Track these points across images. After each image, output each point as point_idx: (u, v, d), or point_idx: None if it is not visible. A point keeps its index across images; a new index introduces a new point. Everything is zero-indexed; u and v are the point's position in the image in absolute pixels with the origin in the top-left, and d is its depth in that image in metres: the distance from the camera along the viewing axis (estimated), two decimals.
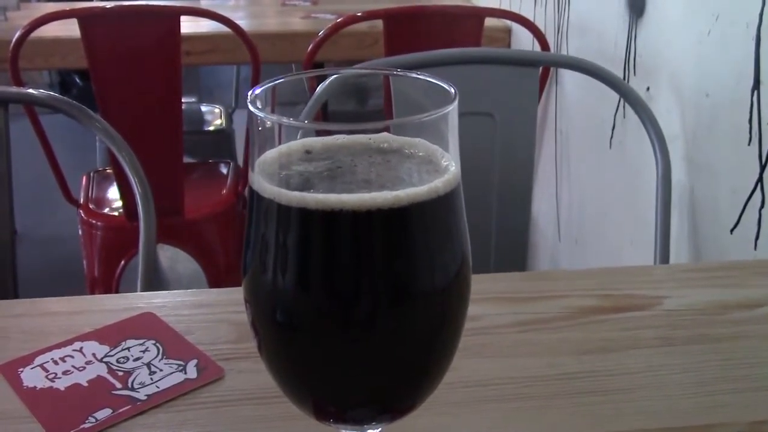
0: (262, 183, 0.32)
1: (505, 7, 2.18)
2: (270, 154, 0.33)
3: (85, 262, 2.06)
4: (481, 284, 0.67)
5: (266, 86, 0.34)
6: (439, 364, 0.36)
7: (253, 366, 0.57)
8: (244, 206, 2.30)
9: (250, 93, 0.33)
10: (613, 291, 0.68)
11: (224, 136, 2.74)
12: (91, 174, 2.20)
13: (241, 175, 2.14)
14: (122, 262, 2.03)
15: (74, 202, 2.02)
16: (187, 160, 2.10)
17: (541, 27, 1.79)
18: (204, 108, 2.95)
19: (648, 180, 1.21)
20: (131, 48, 1.71)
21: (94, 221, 1.97)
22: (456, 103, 0.32)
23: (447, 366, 0.37)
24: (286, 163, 0.33)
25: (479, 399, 0.53)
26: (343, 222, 0.31)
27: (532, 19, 1.84)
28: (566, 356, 0.58)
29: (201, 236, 2.07)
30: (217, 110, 2.91)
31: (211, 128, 2.78)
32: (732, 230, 1.04)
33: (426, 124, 0.33)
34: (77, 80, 4.89)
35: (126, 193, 1.79)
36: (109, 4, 1.74)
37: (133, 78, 1.73)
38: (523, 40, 1.98)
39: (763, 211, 0.97)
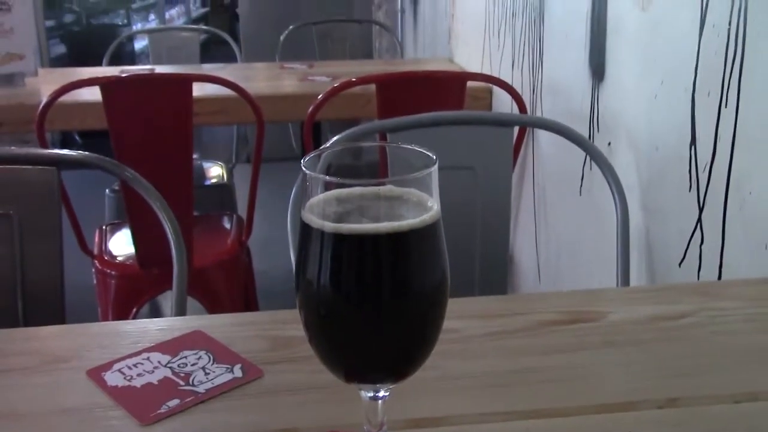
0: (312, 218, 0.49)
1: (486, 69, 2.38)
2: (315, 199, 0.50)
3: (99, 310, 2.20)
4: (461, 305, 0.85)
5: (313, 154, 0.51)
6: (429, 343, 0.53)
7: (287, 368, 0.73)
8: (247, 254, 2.46)
9: (303, 158, 0.50)
10: (570, 308, 0.84)
11: (226, 190, 2.91)
12: (104, 227, 2.36)
13: (245, 227, 2.29)
14: (134, 309, 2.18)
15: (89, 253, 2.18)
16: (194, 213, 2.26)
17: (518, 87, 1.99)
18: (206, 164, 3.12)
19: (612, 223, 1.38)
20: (148, 111, 1.89)
21: (108, 270, 2.12)
22: (437, 165, 0.50)
23: (433, 345, 0.53)
24: (326, 205, 0.50)
25: (458, 387, 0.70)
26: (365, 243, 0.48)
27: (510, 80, 2.04)
28: (526, 357, 0.74)
29: (208, 283, 2.22)
30: (218, 166, 3.08)
31: (214, 182, 2.94)
32: (680, 264, 1.21)
33: (418, 179, 0.50)
34: (77, 138, 5.09)
35: (143, 241, 1.95)
36: (126, 73, 1.93)
37: (149, 137, 1.90)
38: (503, 100, 2.18)
39: (703, 247, 1.14)
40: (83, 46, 5.75)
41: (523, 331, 0.79)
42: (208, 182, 2.99)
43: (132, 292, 2.15)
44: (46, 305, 1.14)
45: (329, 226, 0.49)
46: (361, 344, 0.51)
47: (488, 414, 0.65)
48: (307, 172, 0.50)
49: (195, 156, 3.56)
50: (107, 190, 2.64)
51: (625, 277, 1.24)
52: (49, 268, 1.14)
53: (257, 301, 2.48)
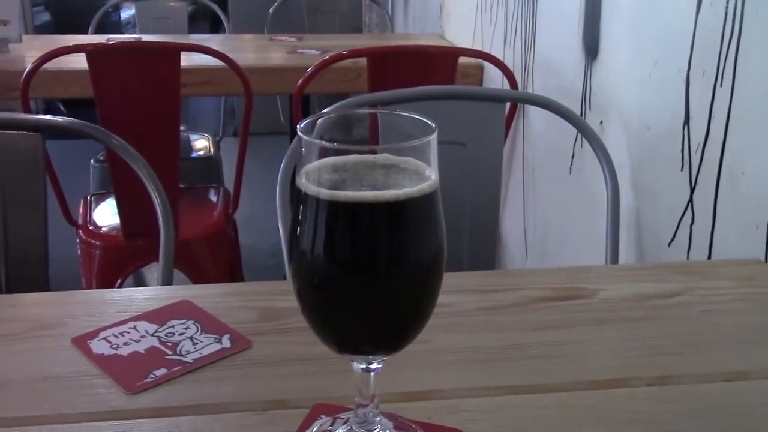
0: (308, 185, 0.48)
1: (477, 45, 2.37)
2: (311, 165, 0.49)
3: (83, 280, 2.18)
4: (454, 279, 0.84)
5: (309, 120, 0.50)
6: (423, 315, 0.52)
7: (275, 339, 0.72)
8: (233, 228, 2.45)
9: (299, 123, 0.49)
10: (561, 285, 0.84)
11: (212, 162, 2.88)
12: (89, 197, 2.33)
13: (232, 200, 2.28)
14: (119, 280, 2.16)
15: (74, 223, 2.16)
16: (180, 185, 2.24)
17: (510, 65, 1.97)
18: (192, 136, 3.09)
19: (602, 202, 1.38)
20: (134, 80, 1.86)
21: (93, 241, 2.10)
22: (436, 133, 0.49)
23: (428, 317, 0.52)
24: (322, 172, 0.49)
25: (449, 361, 0.69)
26: (362, 211, 0.47)
27: (501, 57, 2.03)
28: (517, 332, 0.74)
29: (194, 256, 2.20)
30: (205, 138, 3.06)
31: (200, 155, 2.92)
32: (669, 244, 1.21)
33: (416, 147, 0.49)
34: (61, 107, 5.02)
35: (128, 211, 1.93)
36: (113, 40, 1.90)
37: (136, 107, 1.88)
38: (494, 77, 2.17)
39: (693, 227, 1.14)
40: (68, 14, 5.65)
41: (514, 306, 0.79)
42: (194, 155, 2.97)
43: (116, 263, 2.13)
44: (30, 273, 1.13)
45: (325, 193, 0.48)
46: (355, 314, 0.50)
47: (478, 388, 0.65)
48: (303, 137, 0.48)
49: (182, 128, 3.54)
50: (92, 161, 2.61)
51: (614, 256, 1.24)
52: (33, 235, 1.12)
53: (243, 274, 2.47)
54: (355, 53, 1.87)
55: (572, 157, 1.61)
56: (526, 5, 1.90)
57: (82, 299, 0.81)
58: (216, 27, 3.43)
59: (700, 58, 1.10)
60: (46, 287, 1.15)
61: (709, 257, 1.09)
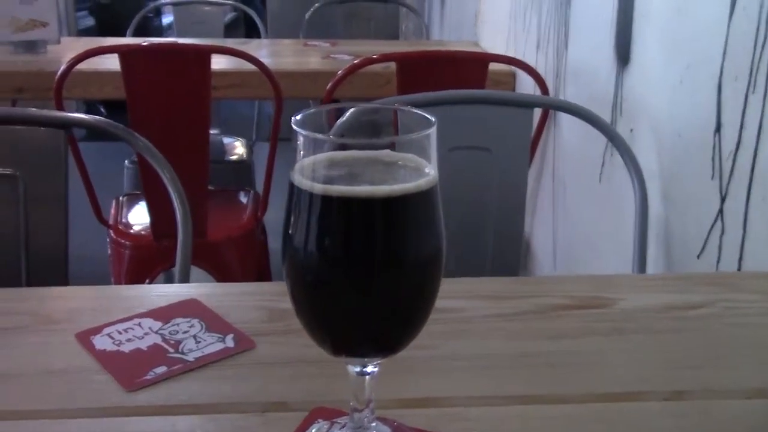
0: (301, 180, 0.47)
1: (511, 53, 2.34)
2: (306, 160, 0.47)
3: (112, 279, 2.20)
4: (470, 285, 0.82)
5: (306, 113, 0.48)
6: (418, 318, 0.50)
7: (279, 340, 0.71)
8: (263, 232, 2.45)
9: (294, 116, 0.47)
10: (580, 293, 0.81)
11: (245, 166, 2.90)
12: (120, 198, 2.35)
13: (261, 203, 2.28)
14: (147, 280, 2.17)
15: (105, 222, 2.17)
16: (210, 187, 2.25)
17: (542, 71, 1.94)
18: (226, 140, 3.11)
19: (632, 211, 1.34)
20: (166, 81, 1.87)
21: (123, 241, 2.12)
22: (434, 128, 0.47)
23: (423, 320, 0.50)
24: (316, 167, 0.47)
25: (454, 368, 0.67)
26: (354, 206, 0.45)
27: (534, 64, 2.00)
28: (529, 340, 0.71)
29: (222, 257, 2.21)
30: (238, 142, 3.07)
31: (233, 158, 2.93)
32: (698, 256, 1.17)
33: (414, 141, 0.47)
34: (102, 110, 5.10)
35: (157, 212, 1.94)
36: (146, 42, 1.91)
37: (166, 108, 1.89)
38: (527, 84, 2.14)
39: (723, 238, 1.10)
40: (111, 19, 5.75)
41: (529, 314, 0.76)
42: (228, 158, 2.98)
43: (145, 262, 2.15)
44: (50, 269, 1.13)
45: (318, 187, 0.46)
46: (347, 314, 0.48)
47: (481, 397, 0.62)
48: (298, 130, 0.47)
49: (216, 131, 3.56)
50: (126, 161, 2.64)
51: (641, 267, 1.21)
52: (54, 231, 1.12)
53: (271, 277, 2.47)
54: (384, 57, 1.86)
55: (602, 165, 1.57)
56: (559, 11, 1.87)
57: (93, 295, 0.80)
58: (255, 34, 3.45)
59: (733, 64, 1.07)
60: (65, 284, 1.15)
61: (739, 269, 1.05)
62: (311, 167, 0.47)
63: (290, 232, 0.48)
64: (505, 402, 0.62)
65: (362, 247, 0.46)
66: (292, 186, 0.47)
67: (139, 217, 2.20)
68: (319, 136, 0.47)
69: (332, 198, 0.45)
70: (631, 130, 1.43)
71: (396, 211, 0.46)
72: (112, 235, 2.13)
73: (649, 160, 1.32)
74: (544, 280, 1.06)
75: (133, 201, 2.32)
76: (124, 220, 2.20)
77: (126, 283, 2.13)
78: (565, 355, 0.69)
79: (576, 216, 1.79)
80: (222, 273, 2.18)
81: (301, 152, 0.47)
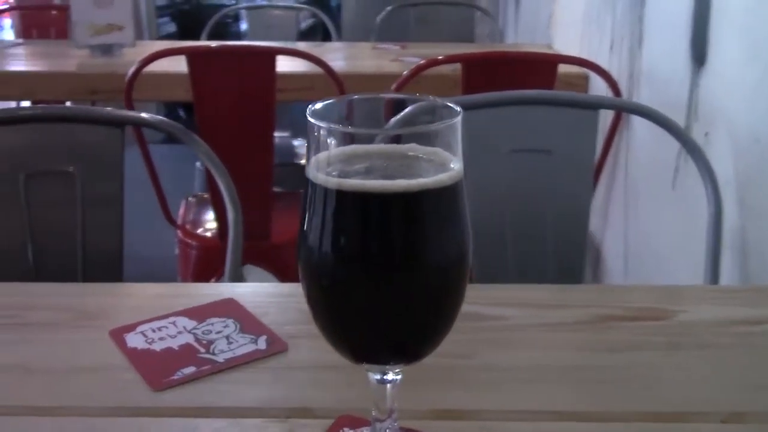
0: (316, 174, 0.44)
1: (584, 55, 2.26)
2: (322, 154, 0.44)
3: (180, 278, 2.23)
4: (518, 292, 0.78)
5: (324, 103, 0.46)
6: (440, 322, 0.46)
7: (312, 343, 0.68)
8: None
9: (309, 106, 0.45)
10: (635, 304, 0.76)
11: None
12: (189, 198, 2.39)
13: None
14: (213, 280, 2.19)
15: (173, 223, 2.21)
16: (278, 189, 2.26)
17: (615, 73, 1.87)
18: (296, 142, 3.13)
19: (705, 220, 1.27)
20: (231, 82, 1.88)
21: (190, 241, 2.15)
22: (460, 117, 0.43)
23: (447, 325, 0.46)
24: (332, 162, 0.44)
25: (492, 380, 0.63)
26: (368, 201, 0.42)
27: (607, 65, 1.92)
28: (575, 353, 0.67)
29: (286, 259, 2.21)
30: None
31: (302, 161, 2.94)
32: None
33: (440, 133, 0.44)
34: (181, 114, 5.22)
35: (221, 215, 1.95)
36: (213, 44, 1.93)
37: (232, 109, 1.90)
38: (599, 87, 2.06)
39: None
40: (193, 24, 5.88)
41: (578, 324, 0.72)
42: (297, 161, 3.00)
43: (211, 263, 2.16)
44: (105, 267, 1.14)
45: (333, 182, 0.43)
46: (364, 318, 0.45)
47: (521, 411, 0.58)
48: (313, 121, 0.44)
49: (287, 134, 3.58)
50: (197, 163, 2.68)
51: (713, 278, 1.13)
52: (110, 230, 1.13)
53: None
54: (451, 58, 1.82)
55: (675, 170, 1.50)
56: (633, 11, 1.79)
57: (131, 292, 0.80)
58: (330, 39, 3.46)
59: None
60: (119, 281, 1.16)
61: None
62: (326, 162, 0.44)
63: (305, 229, 0.45)
64: (546, 417, 0.58)
65: (378, 245, 0.43)
66: (306, 181, 0.45)
67: (206, 218, 2.23)
68: (338, 127, 0.44)
69: (346, 193, 0.43)
70: (706, 134, 1.35)
71: (414, 207, 0.42)
72: (180, 235, 2.16)
73: (724, 166, 1.25)
74: (596, 289, 1.01)
75: (201, 202, 2.35)
76: (192, 221, 2.22)
77: (192, 281, 2.16)
78: (611, 370, 0.64)
79: (647, 223, 1.71)
80: (284, 274, 2.18)
81: (317, 145, 0.45)
